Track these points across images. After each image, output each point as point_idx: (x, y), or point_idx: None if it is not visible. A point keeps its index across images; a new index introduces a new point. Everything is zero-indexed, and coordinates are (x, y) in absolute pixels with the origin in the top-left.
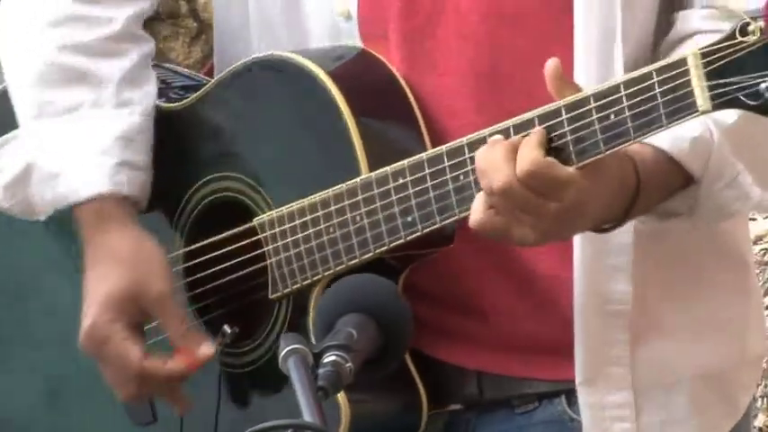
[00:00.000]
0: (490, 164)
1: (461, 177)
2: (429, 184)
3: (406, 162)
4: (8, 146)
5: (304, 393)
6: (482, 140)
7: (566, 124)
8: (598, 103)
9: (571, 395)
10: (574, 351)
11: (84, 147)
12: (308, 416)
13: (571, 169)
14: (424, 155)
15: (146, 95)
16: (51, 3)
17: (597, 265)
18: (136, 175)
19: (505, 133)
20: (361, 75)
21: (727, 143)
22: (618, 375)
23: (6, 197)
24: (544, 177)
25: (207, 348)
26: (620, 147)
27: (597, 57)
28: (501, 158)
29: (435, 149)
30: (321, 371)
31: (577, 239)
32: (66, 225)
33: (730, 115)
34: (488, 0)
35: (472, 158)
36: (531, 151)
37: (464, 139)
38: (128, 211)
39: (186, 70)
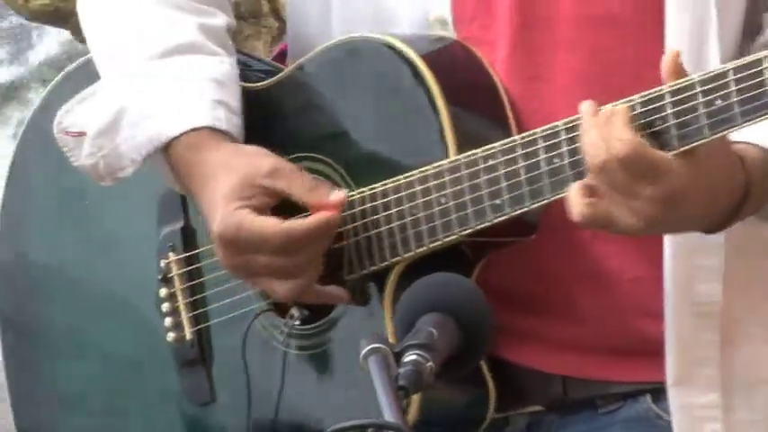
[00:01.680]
0: (590, 144)
1: (556, 160)
2: (522, 165)
3: (497, 145)
4: (89, 100)
5: (385, 392)
6: (571, 123)
7: (669, 108)
8: (704, 87)
9: (657, 393)
10: (660, 351)
11: (178, 86)
12: (388, 415)
13: (666, 154)
14: (518, 137)
15: (232, 53)
16: None
17: (687, 266)
18: (232, 116)
19: None
20: (454, 62)
21: None
22: (707, 376)
23: (93, 150)
24: (639, 158)
25: (338, 192)
26: (726, 132)
27: (689, 58)
28: (598, 138)
29: (529, 132)
30: (402, 370)
31: (666, 239)
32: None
33: None
34: (585, 7)
35: (568, 140)
36: (621, 132)
37: (560, 123)
38: (226, 142)
39: (264, 58)
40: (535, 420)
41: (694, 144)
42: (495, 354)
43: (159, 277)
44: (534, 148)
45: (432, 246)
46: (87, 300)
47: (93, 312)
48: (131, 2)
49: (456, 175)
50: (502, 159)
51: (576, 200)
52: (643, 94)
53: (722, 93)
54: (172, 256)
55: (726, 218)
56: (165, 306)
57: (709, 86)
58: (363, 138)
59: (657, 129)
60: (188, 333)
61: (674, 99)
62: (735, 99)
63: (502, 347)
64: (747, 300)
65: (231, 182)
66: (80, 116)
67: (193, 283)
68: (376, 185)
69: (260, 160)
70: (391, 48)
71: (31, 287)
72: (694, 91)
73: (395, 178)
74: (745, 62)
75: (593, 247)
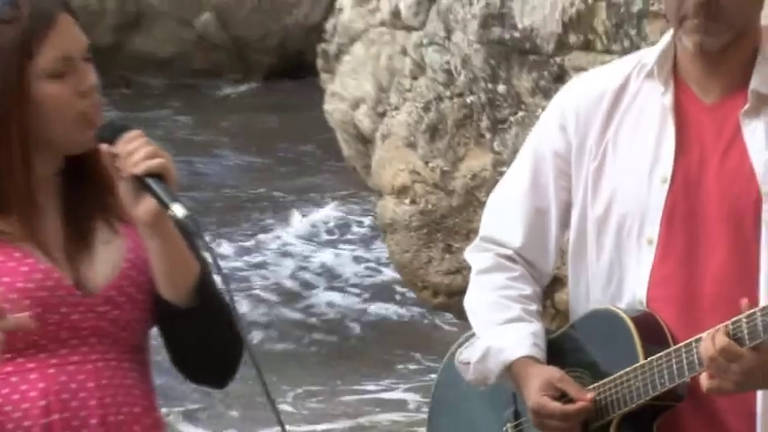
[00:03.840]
0: (705, 350)
1: (684, 360)
2: (666, 365)
3: (664, 352)
4: (472, 345)
5: None
6: (698, 339)
7: (744, 324)
8: (762, 312)
9: None
10: None
11: (513, 337)
12: None
13: (743, 349)
14: (680, 347)
15: (539, 320)
16: (501, 283)
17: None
18: (540, 351)
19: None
20: (648, 320)
21: None
22: None
23: (475, 372)
24: (729, 352)
25: (590, 393)
26: None
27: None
28: (710, 348)
29: (679, 346)
30: None
31: (759, 406)
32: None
33: None
34: (723, 300)
35: (687, 351)
36: (721, 339)
37: (692, 341)
38: (538, 364)
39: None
40: None
41: (757, 341)
42: None
43: (504, 430)
44: (678, 354)
45: (634, 406)
46: None
47: None
48: (487, 297)
49: (645, 372)
50: (664, 361)
51: (703, 380)
52: (733, 320)
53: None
54: (510, 428)
55: None
56: None
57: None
58: (602, 361)
59: (738, 336)
60: None
61: (745, 320)
62: None
63: None
64: None
65: (539, 383)
66: (468, 353)
67: None
68: (606, 381)
69: (554, 372)
70: (614, 313)
71: None
72: (756, 314)
73: (613, 377)
74: None
75: (711, 410)
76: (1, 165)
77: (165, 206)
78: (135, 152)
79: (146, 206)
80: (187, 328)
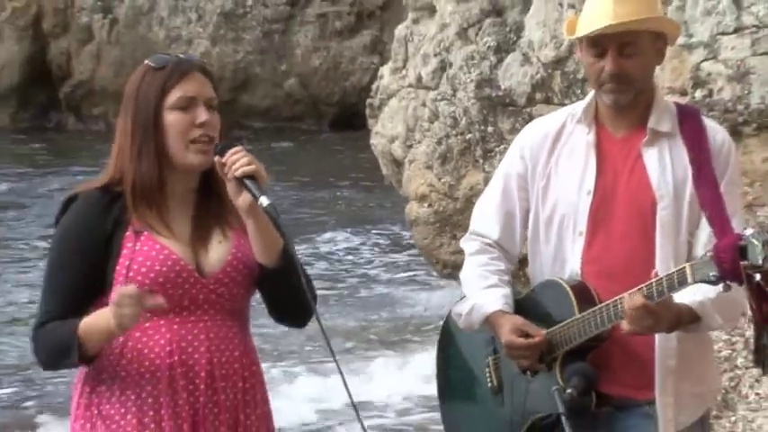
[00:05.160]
0: (627, 306)
1: (608, 313)
2: (595, 315)
3: (591, 309)
4: (464, 302)
5: (560, 402)
6: (614, 301)
7: (656, 286)
8: (665, 281)
9: (652, 403)
10: (653, 384)
11: (490, 298)
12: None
13: (654, 304)
14: (603, 305)
15: (510, 286)
16: (484, 261)
17: (666, 348)
18: (509, 306)
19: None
20: (581, 287)
21: (711, 304)
22: (671, 386)
23: (464, 322)
24: (645, 307)
25: (542, 332)
26: (665, 297)
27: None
28: (631, 304)
29: (602, 305)
30: (568, 391)
31: (657, 344)
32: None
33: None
34: (631, 253)
35: (613, 306)
36: (639, 299)
37: (610, 302)
38: (507, 314)
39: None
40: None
41: (661, 299)
42: (597, 389)
43: (487, 365)
44: (605, 309)
45: (573, 345)
46: (478, 382)
47: (479, 386)
48: (474, 271)
49: (580, 322)
50: (592, 315)
51: (624, 326)
52: (644, 284)
53: (669, 279)
54: (490, 360)
55: (673, 328)
56: (488, 378)
57: (666, 278)
58: (551, 315)
59: (647, 293)
60: (495, 383)
61: (656, 284)
62: (675, 281)
63: (600, 385)
64: (684, 360)
65: (509, 327)
66: (460, 308)
67: (497, 368)
68: (554, 328)
69: (518, 319)
70: (558, 282)
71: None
72: (660, 280)
73: (560, 324)
74: (677, 269)
75: (628, 340)
76: (143, 173)
77: (256, 198)
78: (237, 161)
79: (244, 198)
80: (276, 282)
